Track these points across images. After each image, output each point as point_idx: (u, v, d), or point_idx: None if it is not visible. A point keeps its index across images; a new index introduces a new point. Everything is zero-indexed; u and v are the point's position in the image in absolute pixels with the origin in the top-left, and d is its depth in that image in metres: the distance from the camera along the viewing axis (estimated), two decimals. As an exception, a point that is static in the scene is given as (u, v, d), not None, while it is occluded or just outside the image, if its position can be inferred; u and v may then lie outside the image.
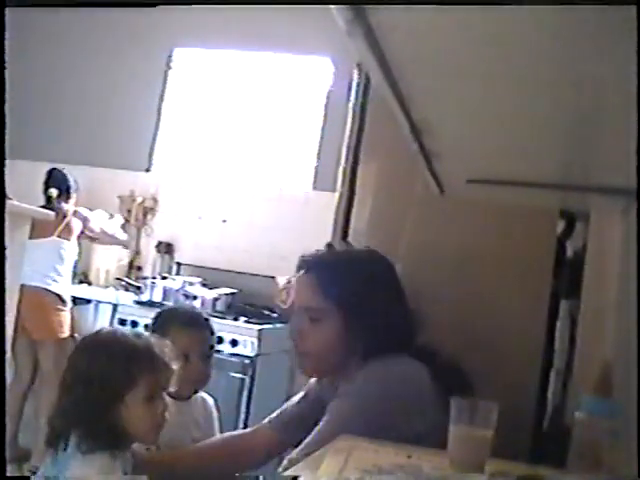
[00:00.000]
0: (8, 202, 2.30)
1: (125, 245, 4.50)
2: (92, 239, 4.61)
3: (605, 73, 0.75)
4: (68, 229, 4.19)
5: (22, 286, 3.90)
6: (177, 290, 4.47)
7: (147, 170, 5.11)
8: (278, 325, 4.33)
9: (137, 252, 4.93)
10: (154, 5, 4.73)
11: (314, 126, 4.80)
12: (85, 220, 4.32)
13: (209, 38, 5.04)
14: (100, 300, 4.34)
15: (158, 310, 2.27)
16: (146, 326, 3.83)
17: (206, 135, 5.12)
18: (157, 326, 2.14)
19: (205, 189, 4.98)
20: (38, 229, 4.08)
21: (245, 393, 3.84)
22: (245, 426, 3.81)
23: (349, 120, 2.19)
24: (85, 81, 5.22)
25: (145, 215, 4.61)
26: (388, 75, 0.82)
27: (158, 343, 1.67)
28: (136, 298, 4.39)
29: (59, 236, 4.13)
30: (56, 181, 4.36)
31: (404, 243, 2.14)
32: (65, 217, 4.18)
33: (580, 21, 0.61)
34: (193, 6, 4.79)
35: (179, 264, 4.86)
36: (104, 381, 1.60)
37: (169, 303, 4.34)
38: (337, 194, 2.20)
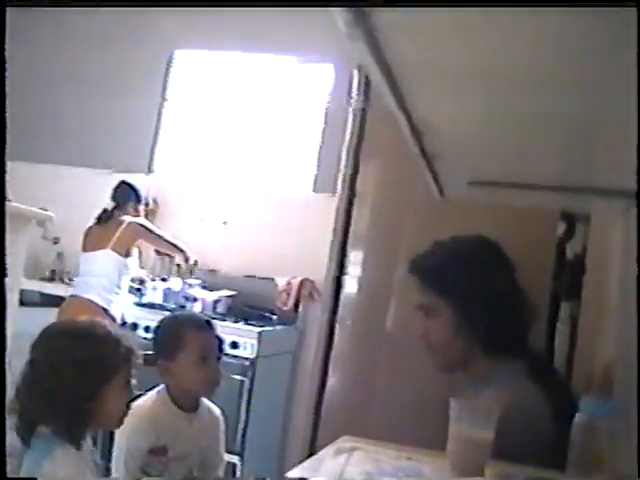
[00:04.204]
0: (8, 204, 2.30)
1: (184, 253, 4.43)
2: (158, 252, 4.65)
3: (605, 74, 0.75)
4: (121, 242, 4.07)
5: (73, 296, 3.94)
6: (177, 292, 4.47)
7: (148, 172, 5.11)
8: (278, 327, 4.33)
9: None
10: (156, 6, 4.74)
11: (315, 129, 4.80)
12: (138, 231, 4.17)
13: (210, 40, 5.04)
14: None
15: (162, 318, 2.28)
16: (147, 328, 3.87)
17: (207, 137, 5.13)
18: (169, 332, 2.16)
19: (206, 191, 4.98)
20: (93, 241, 4.11)
21: (245, 395, 3.83)
22: (245, 427, 3.81)
23: (349, 123, 2.19)
24: (86, 83, 5.22)
25: (146, 217, 4.59)
26: (388, 77, 0.82)
27: (129, 333, 1.78)
28: (136, 300, 4.39)
29: (113, 249, 4.03)
30: (115, 194, 4.29)
31: (405, 245, 2.14)
32: (117, 229, 4.09)
33: (580, 21, 0.61)
34: (194, 8, 4.79)
35: (179, 266, 4.86)
36: (94, 366, 1.65)
37: (170, 305, 4.35)
38: (337, 197, 2.20)
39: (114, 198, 4.28)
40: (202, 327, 2.16)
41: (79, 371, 1.63)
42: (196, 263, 4.37)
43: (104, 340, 1.70)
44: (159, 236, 4.26)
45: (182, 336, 2.11)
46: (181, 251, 4.35)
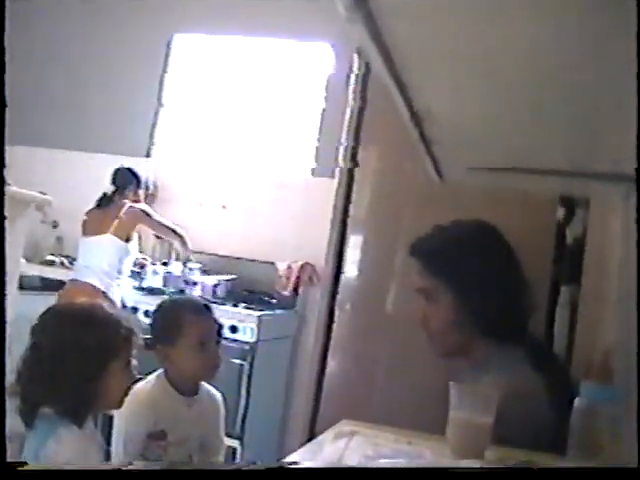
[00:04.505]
0: (7, 188, 2.29)
1: (183, 239, 4.43)
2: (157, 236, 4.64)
3: (606, 58, 0.74)
4: (122, 226, 4.08)
5: (73, 281, 3.94)
6: (178, 276, 4.47)
7: (147, 156, 5.10)
8: (278, 311, 4.34)
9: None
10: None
11: (314, 112, 4.79)
12: (137, 216, 4.17)
13: (209, 24, 5.02)
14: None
15: (159, 303, 2.28)
16: (146, 312, 3.87)
17: (206, 121, 5.11)
18: (167, 317, 2.16)
19: (205, 175, 4.97)
20: (93, 226, 4.11)
21: (245, 379, 3.84)
22: (245, 412, 3.82)
23: (349, 106, 2.18)
24: (85, 66, 5.20)
25: (145, 201, 4.59)
26: (388, 61, 0.81)
27: (129, 314, 1.79)
28: (136, 284, 4.39)
29: (114, 234, 4.04)
30: (115, 179, 4.28)
31: (404, 229, 2.13)
32: (118, 214, 4.09)
33: (582, 9, 0.61)
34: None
35: (178, 256, 4.85)
36: (95, 348, 1.65)
37: (169, 289, 4.35)
38: (336, 180, 2.19)
39: (114, 182, 4.27)
40: (200, 311, 2.15)
41: (80, 353, 1.63)
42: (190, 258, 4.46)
43: (104, 322, 1.71)
44: (159, 222, 4.26)
45: (180, 321, 2.10)
46: (179, 237, 4.35)
